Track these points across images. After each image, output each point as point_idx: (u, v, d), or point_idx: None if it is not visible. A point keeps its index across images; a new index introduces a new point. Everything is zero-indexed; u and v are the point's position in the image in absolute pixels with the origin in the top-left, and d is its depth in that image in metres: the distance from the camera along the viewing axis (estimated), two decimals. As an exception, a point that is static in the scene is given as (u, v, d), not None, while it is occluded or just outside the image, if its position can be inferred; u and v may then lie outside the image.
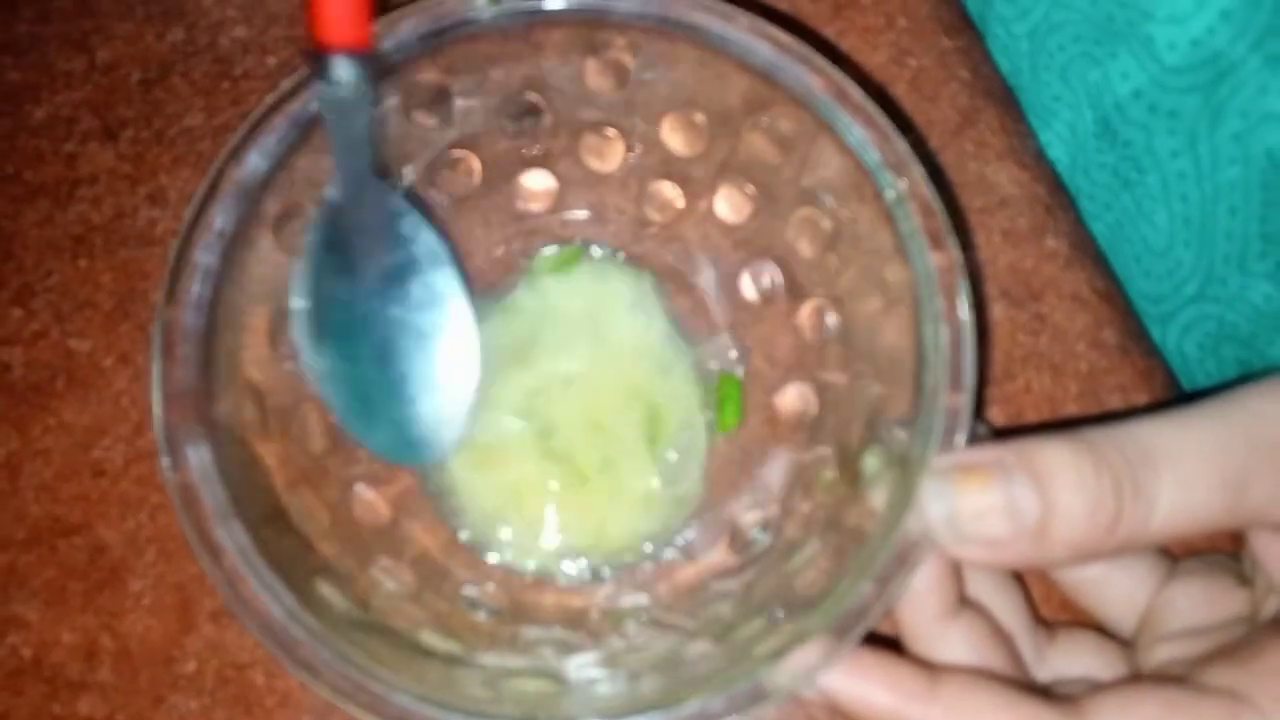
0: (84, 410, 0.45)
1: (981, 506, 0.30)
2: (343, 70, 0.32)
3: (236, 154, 0.34)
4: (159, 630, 0.42)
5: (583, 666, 0.36)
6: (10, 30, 0.51)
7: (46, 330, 0.46)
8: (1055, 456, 0.30)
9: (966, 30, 0.50)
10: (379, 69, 0.34)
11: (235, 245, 0.34)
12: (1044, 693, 0.32)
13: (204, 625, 0.42)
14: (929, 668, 0.32)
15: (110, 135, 0.49)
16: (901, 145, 0.34)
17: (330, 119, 0.34)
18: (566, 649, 0.37)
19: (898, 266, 0.34)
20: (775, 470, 0.42)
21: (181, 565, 0.43)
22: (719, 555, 0.41)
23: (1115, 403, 0.45)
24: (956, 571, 0.34)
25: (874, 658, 0.31)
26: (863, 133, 0.35)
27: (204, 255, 0.34)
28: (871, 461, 0.35)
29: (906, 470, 0.32)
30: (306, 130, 0.35)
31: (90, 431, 0.45)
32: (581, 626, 0.39)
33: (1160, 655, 0.34)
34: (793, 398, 0.42)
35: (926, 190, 0.34)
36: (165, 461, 0.32)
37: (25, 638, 0.43)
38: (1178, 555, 0.38)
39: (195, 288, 0.33)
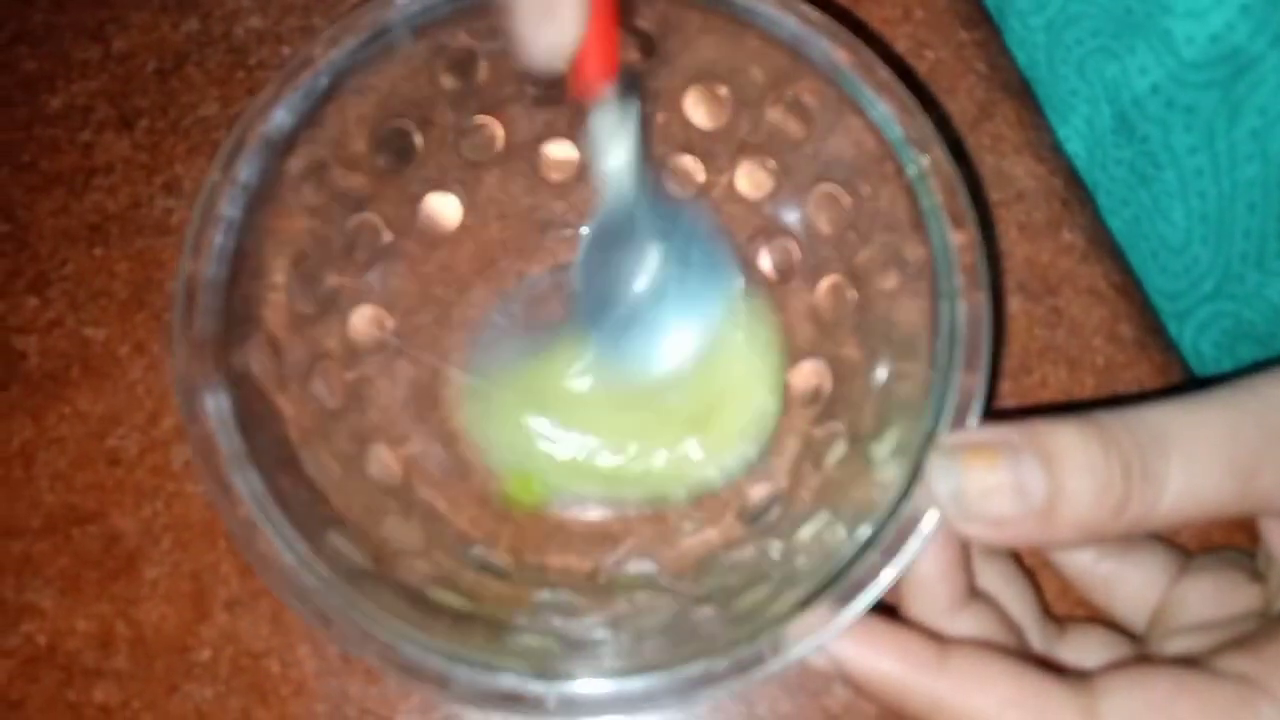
0: (99, 399, 0.45)
1: (989, 485, 0.30)
2: (610, 103, 0.35)
3: (263, 110, 0.35)
4: (174, 618, 0.42)
5: (588, 628, 0.36)
6: (26, 20, 0.51)
7: (62, 319, 0.46)
8: (1064, 437, 0.30)
9: (984, 23, 0.50)
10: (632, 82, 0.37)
11: (259, 199, 0.34)
12: (1055, 668, 0.32)
13: (219, 614, 0.42)
14: (939, 639, 0.32)
15: (126, 124, 0.49)
16: (925, 122, 0.34)
17: (601, 136, 0.36)
18: (573, 611, 0.37)
19: (917, 244, 0.34)
20: (787, 445, 0.42)
21: (197, 554, 0.43)
22: (726, 527, 0.41)
23: (1132, 395, 0.44)
24: (966, 563, 0.34)
25: (883, 627, 0.31)
26: (886, 108, 0.35)
27: (228, 207, 0.34)
28: (884, 440, 0.35)
29: (916, 448, 0.32)
30: (330, 90, 0.36)
31: (105, 420, 0.45)
32: (588, 590, 0.39)
33: (1171, 648, 0.34)
34: (807, 374, 0.42)
35: (948, 168, 0.34)
36: (184, 408, 0.32)
37: (40, 625, 0.43)
38: (1192, 551, 0.38)
39: (218, 239, 0.34)
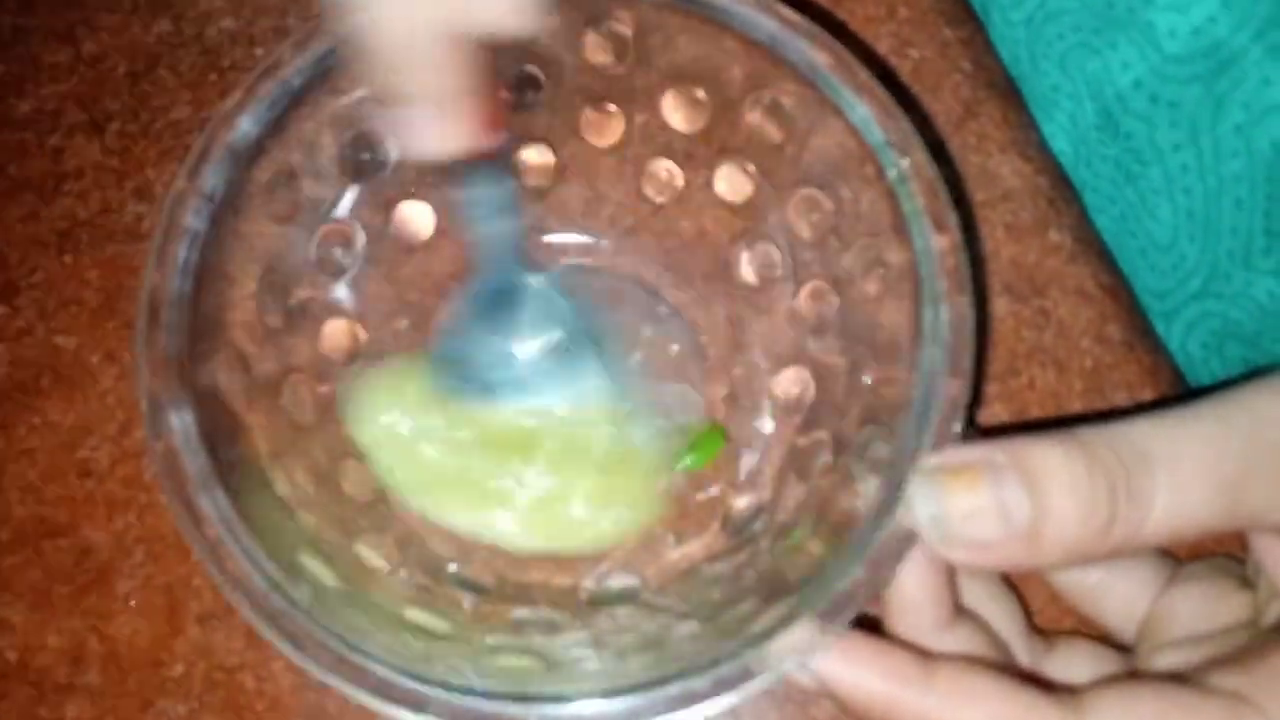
0: (70, 409, 0.45)
1: (970, 508, 0.29)
2: (483, 174, 0.36)
3: (228, 119, 0.34)
4: (147, 633, 0.42)
5: (569, 646, 0.35)
6: (-6, 22, 0.51)
7: (31, 327, 0.46)
8: (1047, 457, 0.29)
9: (968, 21, 0.49)
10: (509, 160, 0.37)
11: (224, 210, 0.34)
12: (1044, 684, 0.31)
13: (192, 628, 0.42)
14: (925, 655, 0.31)
15: (97, 129, 0.48)
16: (906, 124, 0.34)
17: (473, 212, 0.37)
18: (553, 629, 0.37)
19: (899, 248, 0.34)
20: (770, 454, 0.41)
21: (170, 567, 0.43)
22: (710, 539, 0.41)
23: (1120, 399, 0.44)
24: (951, 582, 0.33)
25: (869, 643, 0.31)
26: (866, 110, 0.34)
27: (192, 219, 0.33)
28: (868, 449, 0.35)
29: (901, 457, 0.31)
30: (298, 97, 0.35)
31: (76, 431, 0.44)
32: (569, 607, 0.39)
33: (1161, 663, 0.34)
34: (789, 381, 0.42)
35: (930, 170, 0.33)
36: (149, 427, 0.31)
37: (11, 641, 0.42)
38: (1181, 558, 0.37)
39: (182, 252, 0.33)
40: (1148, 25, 0.42)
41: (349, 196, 0.39)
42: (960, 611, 0.34)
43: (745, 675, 0.29)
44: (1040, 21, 0.47)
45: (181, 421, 0.31)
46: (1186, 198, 0.44)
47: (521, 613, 0.38)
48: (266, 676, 0.41)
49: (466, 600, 0.38)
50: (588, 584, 0.40)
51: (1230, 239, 0.42)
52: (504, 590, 0.39)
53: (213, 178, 0.33)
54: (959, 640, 0.33)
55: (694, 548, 0.41)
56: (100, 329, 0.46)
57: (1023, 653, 0.35)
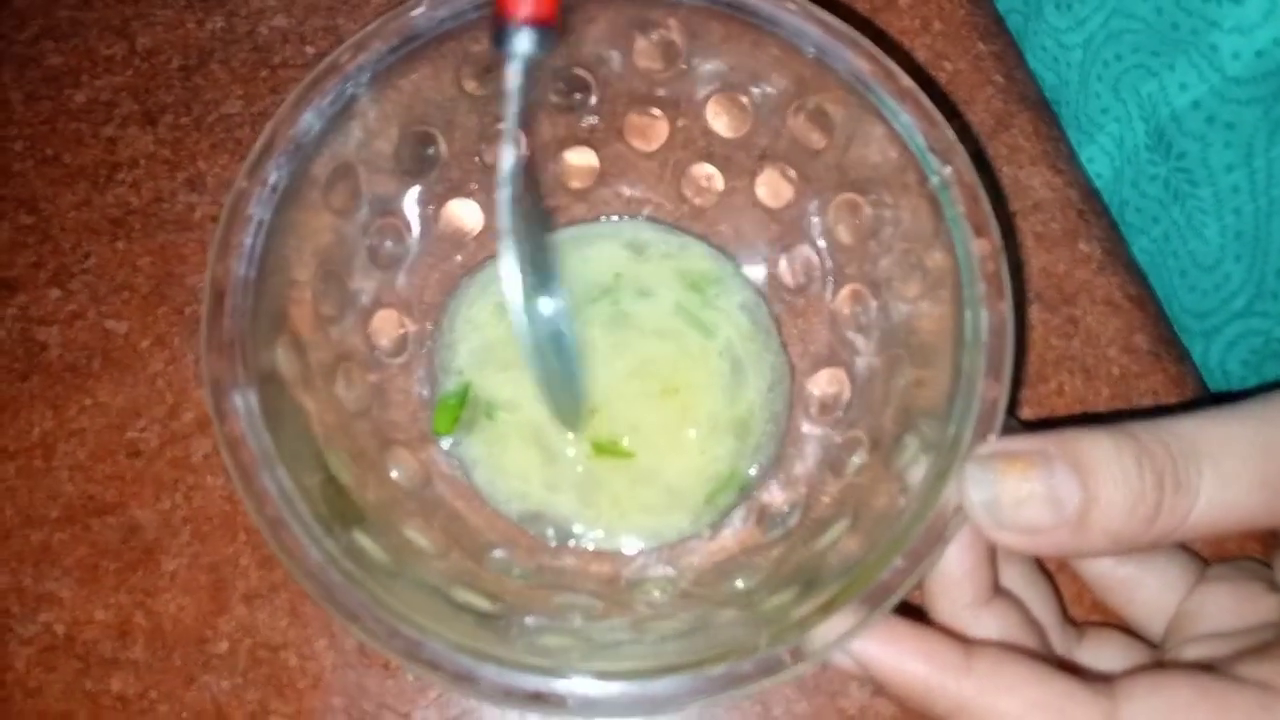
0: (119, 391, 0.46)
1: (1022, 494, 0.30)
2: (522, 42, 0.32)
3: (291, 112, 0.35)
4: (192, 610, 0.43)
5: (611, 630, 0.36)
6: (52, 15, 0.52)
7: (84, 311, 0.47)
8: (1098, 447, 0.30)
9: (1001, 35, 0.50)
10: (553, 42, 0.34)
11: (287, 201, 0.35)
12: (1077, 671, 0.32)
13: (237, 606, 0.43)
14: (963, 640, 0.32)
15: (150, 120, 0.49)
16: (948, 131, 0.35)
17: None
18: (594, 614, 0.37)
19: (939, 253, 0.35)
20: (807, 452, 0.42)
21: (215, 546, 0.43)
22: (747, 533, 0.41)
23: (1146, 406, 0.45)
24: (991, 560, 0.34)
25: (908, 628, 0.32)
26: (909, 118, 0.35)
27: (257, 208, 0.34)
28: (905, 447, 0.35)
29: (940, 454, 0.32)
30: (359, 93, 0.36)
31: (125, 412, 0.45)
32: (609, 595, 0.39)
33: (1188, 655, 0.34)
34: (827, 381, 0.42)
35: (971, 176, 0.34)
36: (213, 408, 0.32)
37: (58, 615, 0.43)
38: (1208, 559, 0.38)
39: (247, 240, 0.34)
40: (1211, 48, 0.42)
41: (403, 192, 0.40)
42: (998, 591, 0.34)
43: (788, 660, 0.30)
44: (1099, 44, 0.47)
45: (245, 402, 0.32)
46: (1236, 218, 0.44)
47: (564, 597, 0.38)
48: (309, 655, 0.42)
49: (511, 584, 0.39)
50: (626, 573, 0.41)
51: (1279, 258, 0.43)
52: (545, 576, 0.40)
53: (276, 170, 0.34)
54: (995, 618, 0.34)
55: (729, 542, 0.41)
56: (151, 314, 0.47)
57: (1056, 637, 0.36)
